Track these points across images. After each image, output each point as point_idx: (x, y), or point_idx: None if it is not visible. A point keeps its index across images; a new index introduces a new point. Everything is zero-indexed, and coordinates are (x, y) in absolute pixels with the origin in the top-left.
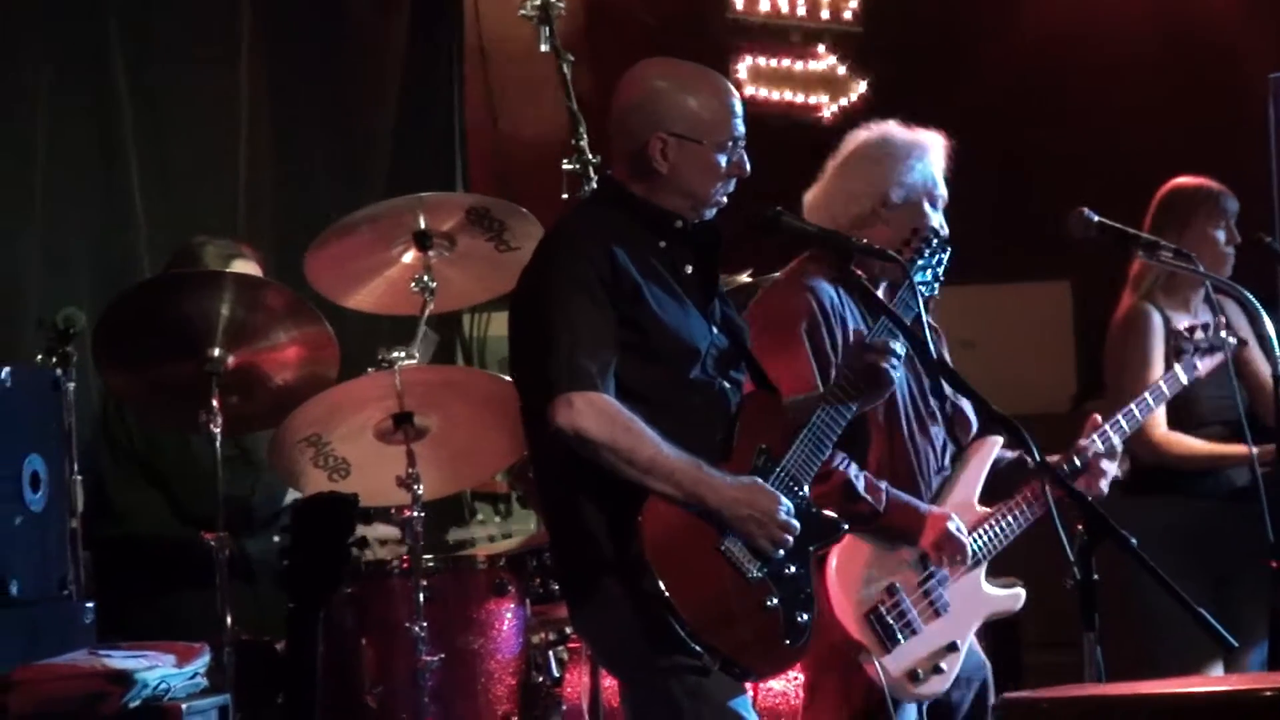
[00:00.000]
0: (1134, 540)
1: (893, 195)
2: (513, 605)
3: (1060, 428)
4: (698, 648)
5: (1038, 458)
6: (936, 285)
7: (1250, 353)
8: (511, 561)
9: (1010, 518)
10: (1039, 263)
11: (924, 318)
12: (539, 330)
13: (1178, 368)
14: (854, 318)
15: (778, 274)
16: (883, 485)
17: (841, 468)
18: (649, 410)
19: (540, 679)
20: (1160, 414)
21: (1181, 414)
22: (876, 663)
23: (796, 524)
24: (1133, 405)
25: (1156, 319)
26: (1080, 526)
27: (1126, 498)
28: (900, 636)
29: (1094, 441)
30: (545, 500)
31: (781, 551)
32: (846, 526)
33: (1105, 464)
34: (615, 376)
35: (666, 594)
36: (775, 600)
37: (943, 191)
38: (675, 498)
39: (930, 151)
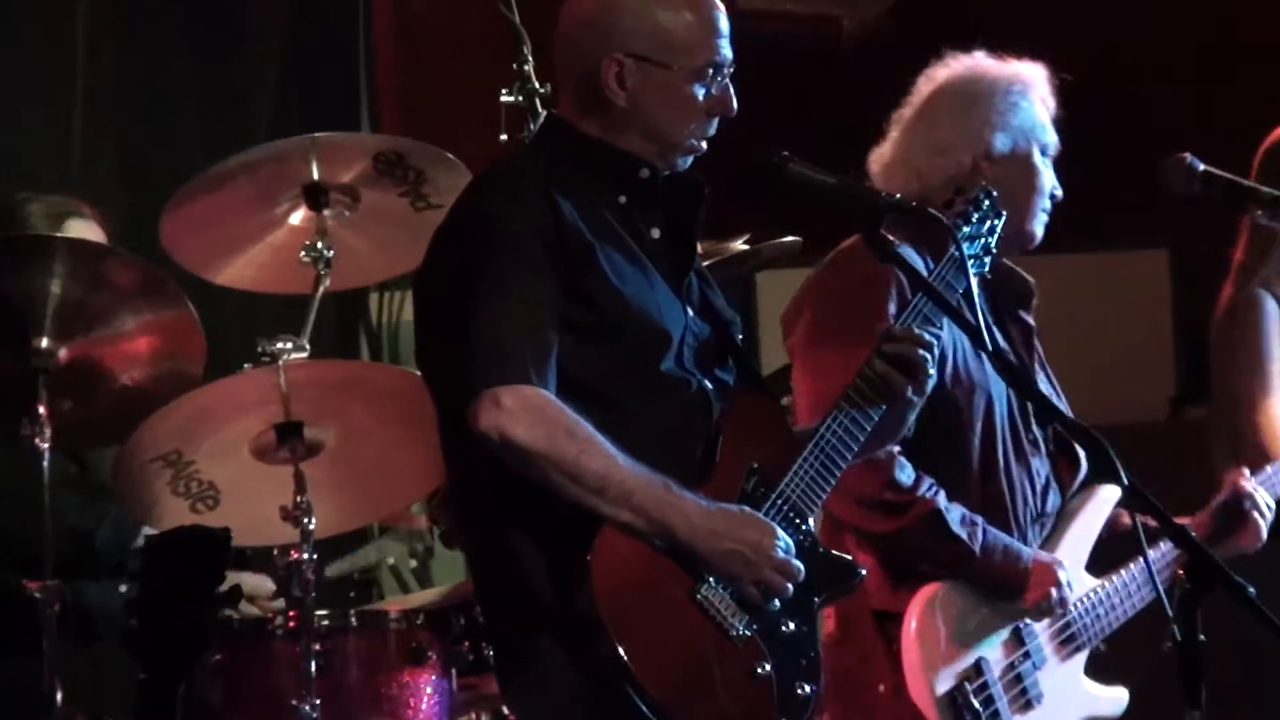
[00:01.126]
0: (1252, 590)
1: (996, 144)
2: (433, 677)
3: (1155, 442)
4: None
5: (1124, 478)
6: (986, 260)
7: None
8: (432, 619)
9: (1127, 590)
10: (1127, 226)
11: (977, 299)
12: (456, 307)
13: None
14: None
15: (779, 242)
16: (979, 521)
17: (928, 494)
18: (603, 413)
19: None
20: None
21: None
22: None
23: (799, 565)
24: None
25: (1271, 307)
26: (1181, 571)
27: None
28: None
29: (1251, 493)
30: (469, 535)
31: (777, 602)
32: (864, 572)
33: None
34: (558, 367)
35: (624, 658)
36: (768, 667)
37: (1054, 139)
38: (636, 528)
39: (1034, 88)
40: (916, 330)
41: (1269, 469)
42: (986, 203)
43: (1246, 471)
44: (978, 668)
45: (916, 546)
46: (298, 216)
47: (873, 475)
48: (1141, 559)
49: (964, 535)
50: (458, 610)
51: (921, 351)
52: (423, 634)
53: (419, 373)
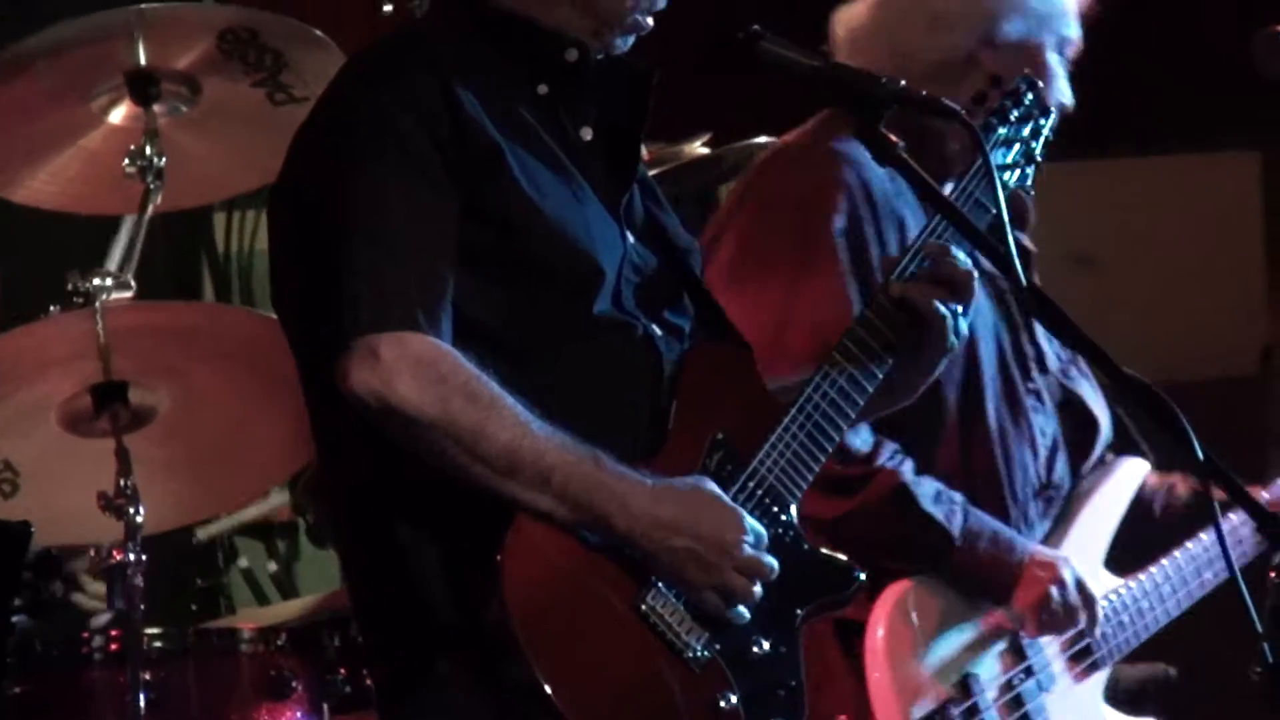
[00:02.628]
0: None
1: (1005, 26)
2: (300, 714)
3: (1243, 399)
4: None
5: (1200, 452)
6: (1031, 171)
7: None
8: (298, 640)
9: (1159, 593)
10: (1209, 124)
11: (1008, 224)
12: (322, 230)
13: None
14: (914, 208)
15: (781, 139)
16: (958, 499)
17: (890, 464)
18: (514, 368)
19: None
20: None
21: None
22: None
23: (771, 562)
24: None
25: None
26: (1275, 575)
27: None
28: None
29: None
30: (344, 530)
31: (746, 614)
32: (863, 576)
33: None
34: (454, 309)
35: (544, 688)
36: (734, 699)
37: (1076, 33)
38: (557, 516)
39: None
40: (948, 260)
41: None
42: (1030, 96)
43: None
44: (965, 686)
45: (878, 533)
46: (119, 114)
47: None
48: (1185, 551)
49: (939, 516)
50: (330, 627)
51: (957, 280)
52: (285, 659)
53: (277, 317)
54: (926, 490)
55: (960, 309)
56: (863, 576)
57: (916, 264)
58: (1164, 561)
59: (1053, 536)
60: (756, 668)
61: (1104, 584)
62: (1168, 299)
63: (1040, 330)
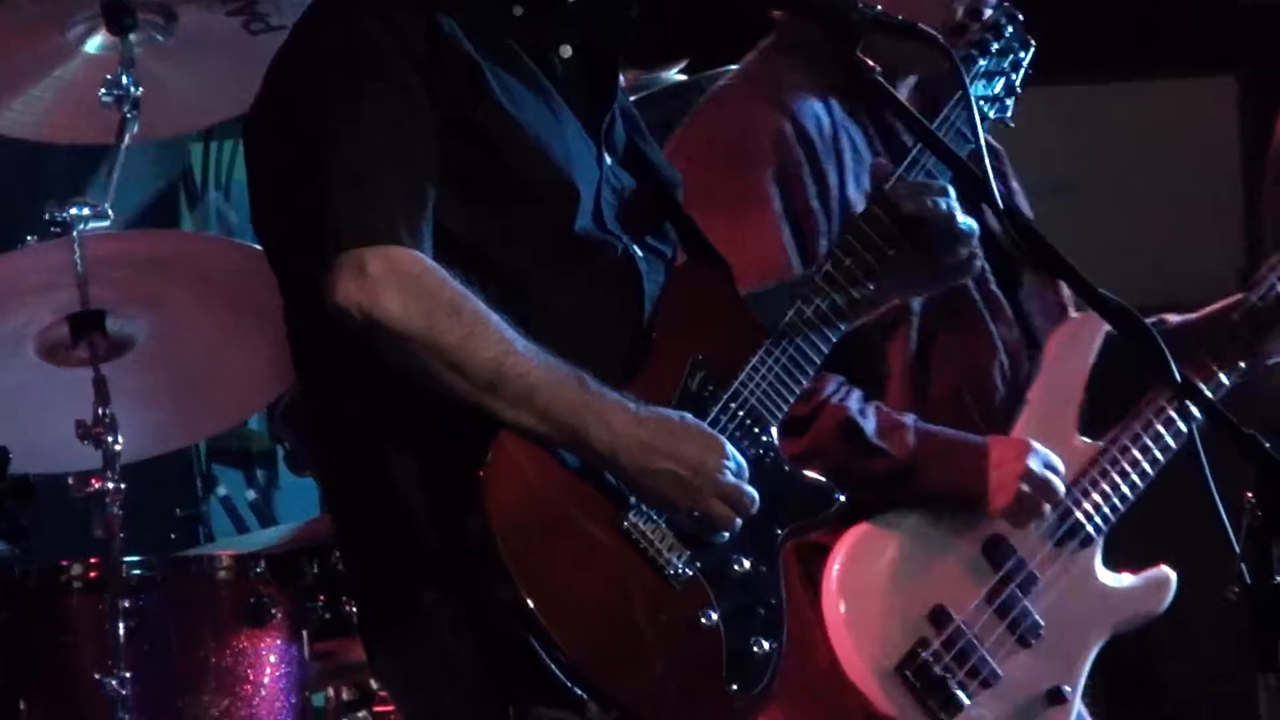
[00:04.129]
0: None
1: None
2: (279, 641)
3: None
4: (580, 693)
5: (1175, 374)
6: (1010, 103)
7: None
8: (277, 566)
9: (1139, 449)
10: (1186, 50)
11: (985, 154)
12: (303, 152)
13: None
14: (858, 151)
15: (727, 72)
16: (908, 420)
17: (836, 399)
18: (497, 285)
19: None
20: None
21: None
22: None
23: (752, 494)
24: None
25: None
26: (1251, 495)
27: None
28: (962, 697)
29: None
30: (324, 455)
31: (726, 534)
32: (842, 497)
33: None
34: (436, 225)
35: (529, 604)
36: (714, 615)
37: None
38: (540, 433)
39: None
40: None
41: None
42: (1010, 29)
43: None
44: (935, 619)
45: (834, 469)
46: (95, 43)
47: None
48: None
49: (886, 446)
50: (309, 555)
51: (946, 206)
52: (264, 586)
53: (257, 245)
54: (871, 424)
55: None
56: (842, 497)
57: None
58: (1144, 409)
59: (1016, 420)
60: (737, 586)
61: (1080, 453)
62: (1145, 224)
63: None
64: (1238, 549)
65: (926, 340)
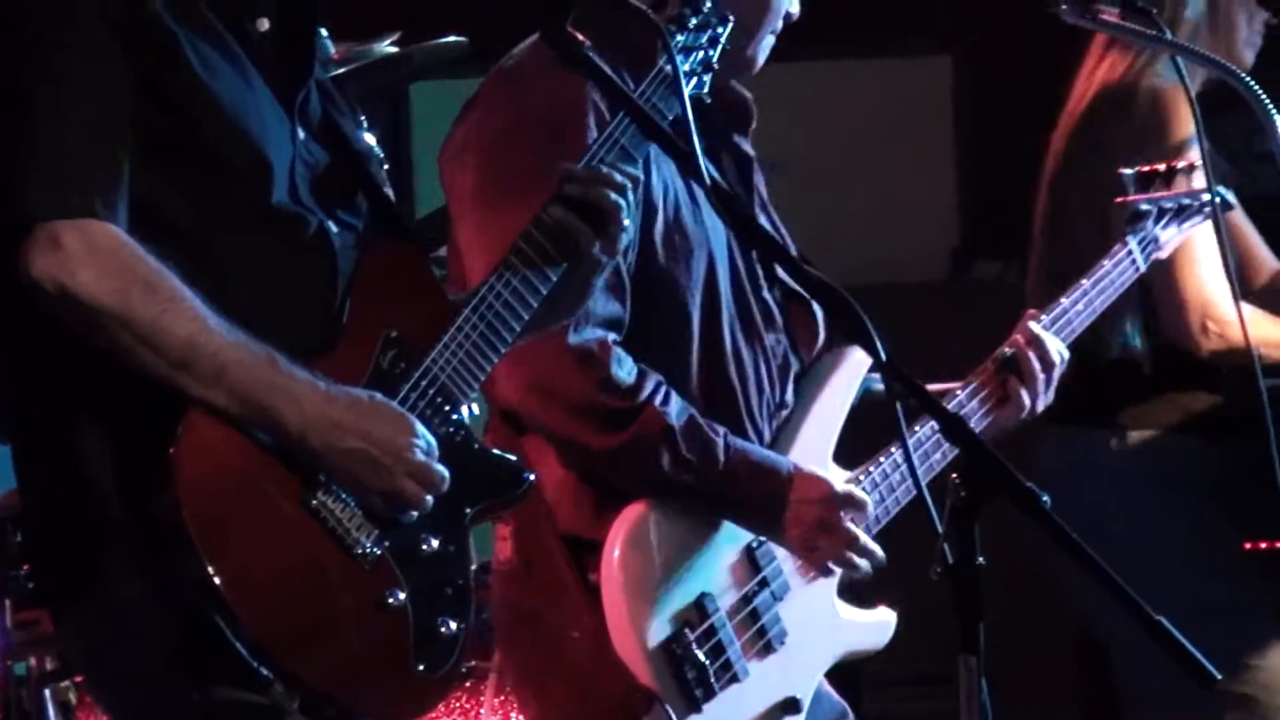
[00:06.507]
0: (1046, 499)
1: None
2: None
3: (935, 304)
4: (265, 673)
5: (882, 355)
6: (707, 78)
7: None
8: None
9: (890, 483)
10: (900, 28)
11: (693, 128)
12: None
13: (1132, 243)
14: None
15: (519, 50)
16: (719, 433)
17: (658, 402)
18: (191, 259)
19: None
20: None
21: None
22: None
23: (442, 472)
24: (1064, 299)
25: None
26: (956, 476)
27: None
28: (715, 685)
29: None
30: (14, 422)
31: (415, 513)
32: (532, 477)
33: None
34: (133, 197)
35: (215, 581)
36: (402, 595)
37: None
38: (231, 412)
39: None
40: (606, 168)
41: (1064, 302)
42: (709, 4)
43: (1032, 321)
44: (700, 607)
45: (645, 472)
46: None
47: (581, 371)
48: (913, 436)
49: (698, 462)
50: (12, 523)
51: (613, 195)
52: None
53: None
54: (688, 431)
55: (601, 240)
56: (532, 477)
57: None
58: (894, 451)
59: (779, 442)
60: (425, 566)
61: (834, 481)
62: (860, 203)
63: None
64: (940, 529)
65: (714, 344)
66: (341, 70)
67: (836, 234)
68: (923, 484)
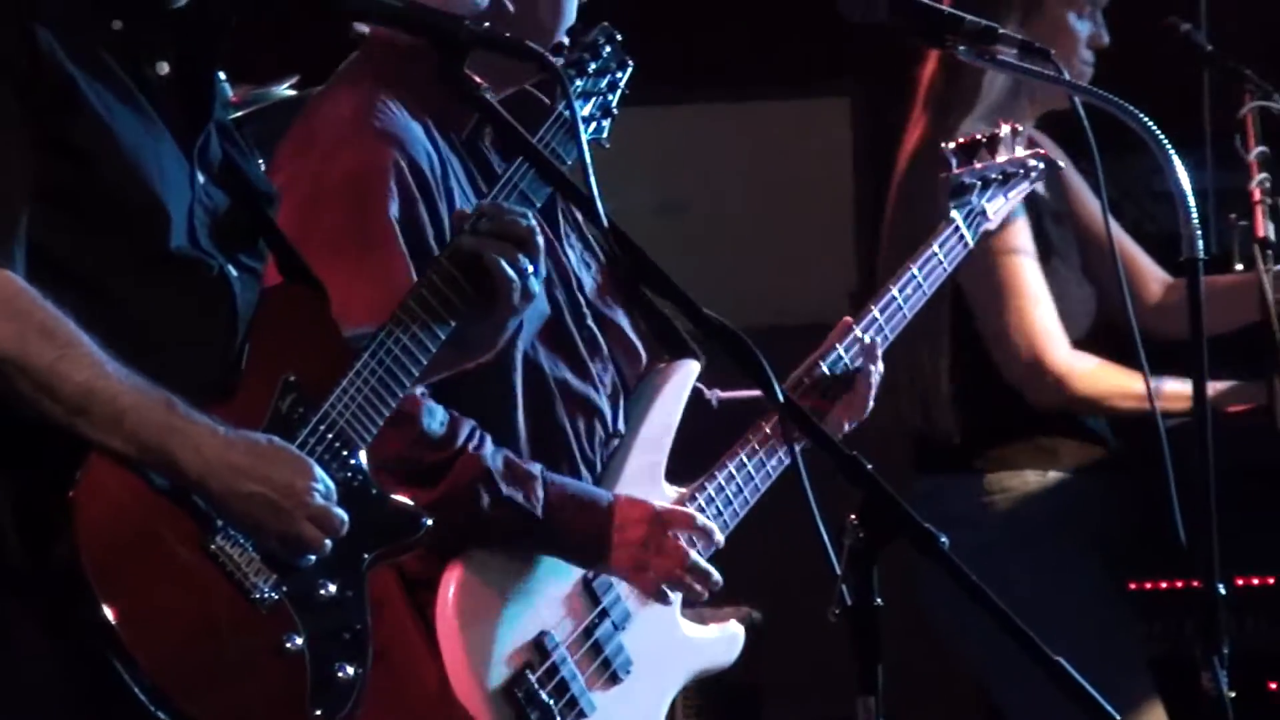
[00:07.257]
0: (944, 539)
1: None
2: None
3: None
4: (163, 717)
5: (779, 394)
6: (607, 124)
7: (1087, 206)
8: None
9: (725, 496)
10: (800, 70)
11: (590, 171)
12: None
13: (958, 218)
14: (462, 182)
15: (316, 104)
16: (536, 470)
17: (473, 448)
18: (88, 305)
19: None
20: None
21: None
22: None
23: (341, 515)
24: (893, 287)
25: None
26: (854, 517)
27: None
28: None
29: (839, 352)
30: None
31: (313, 557)
32: (429, 521)
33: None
34: (30, 242)
35: (112, 623)
36: (299, 640)
37: None
38: (129, 456)
39: None
40: (509, 216)
41: (874, 309)
42: (608, 49)
43: (851, 321)
44: (539, 646)
45: (464, 519)
46: None
47: (394, 429)
48: (745, 445)
49: (519, 498)
50: None
51: (519, 241)
52: None
53: None
54: (504, 472)
55: (530, 267)
56: (429, 522)
57: (487, 221)
58: (727, 463)
59: (609, 470)
60: (323, 610)
61: (667, 501)
62: (758, 245)
63: (580, 269)
64: (839, 570)
65: (536, 381)
66: (242, 113)
67: (733, 275)
68: (819, 524)
